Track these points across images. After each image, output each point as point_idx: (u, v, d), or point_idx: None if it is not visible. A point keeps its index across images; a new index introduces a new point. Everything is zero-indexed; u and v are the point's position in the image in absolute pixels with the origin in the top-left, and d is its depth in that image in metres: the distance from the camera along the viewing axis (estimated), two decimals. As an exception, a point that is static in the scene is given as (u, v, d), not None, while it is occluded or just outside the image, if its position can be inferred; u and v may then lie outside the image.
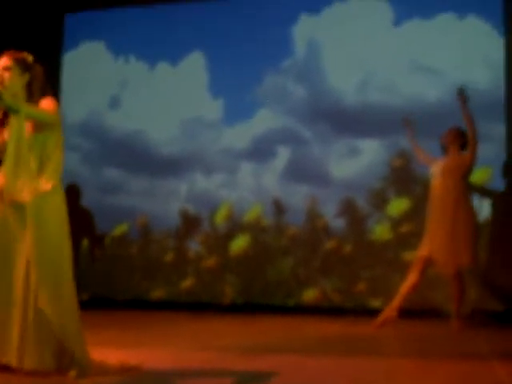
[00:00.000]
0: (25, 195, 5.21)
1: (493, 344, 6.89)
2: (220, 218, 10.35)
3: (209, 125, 10.44)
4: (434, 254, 8.22)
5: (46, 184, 5.27)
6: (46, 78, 5.55)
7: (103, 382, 5.06)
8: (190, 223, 10.45)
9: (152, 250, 10.63)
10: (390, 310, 8.25)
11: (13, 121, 5.20)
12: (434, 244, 8.20)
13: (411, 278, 8.30)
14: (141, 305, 10.18)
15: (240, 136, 10.28)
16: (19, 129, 5.21)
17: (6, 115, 5.41)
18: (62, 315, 5.25)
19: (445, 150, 8.42)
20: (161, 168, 10.50)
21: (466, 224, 8.17)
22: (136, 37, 10.63)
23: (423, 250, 8.26)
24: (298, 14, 10.10)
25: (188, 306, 10.12)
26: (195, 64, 10.50)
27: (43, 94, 5.46)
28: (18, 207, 5.25)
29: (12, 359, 5.18)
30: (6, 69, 5.39)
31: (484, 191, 9.02)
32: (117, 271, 10.55)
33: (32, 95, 5.42)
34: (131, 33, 10.65)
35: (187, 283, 10.37)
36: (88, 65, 10.59)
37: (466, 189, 8.30)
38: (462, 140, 8.34)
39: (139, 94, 10.55)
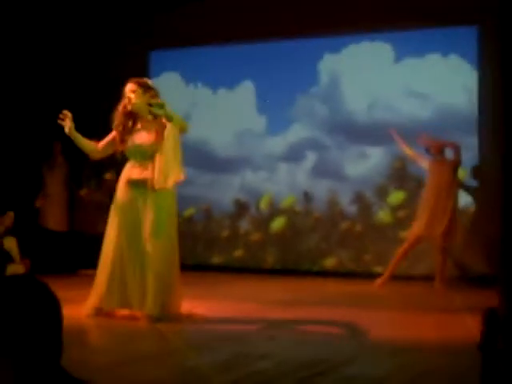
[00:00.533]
0: (169, 184, 5.43)
1: (468, 301, 6.80)
2: (263, 204, 10.32)
3: (256, 135, 10.38)
4: (428, 230, 8.28)
5: (180, 176, 5.49)
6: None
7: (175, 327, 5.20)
8: (241, 208, 10.39)
9: (212, 228, 10.59)
10: (387, 273, 8.37)
11: (168, 126, 5.39)
12: (430, 223, 8.30)
13: (404, 249, 8.43)
14: (203, 268, 10.24)
15: (279, 143, 10.22)
16: (174, 133, 5.42)
17: (134, 123, 5.68)
18: (169, 275, 5.49)
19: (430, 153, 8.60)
20: (220, 167, 10.46)
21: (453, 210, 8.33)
22: (202, 68, 10.46)
23: (417, 230, 8.36)
24: (323, 52, 10.05)
25: (239, 270, 10.04)
26: (247, 89, 10.42)
27: (160, 109, 5.59)
28: (144, 193, 5.49)
29: (134, 307, 5.46)
30: (132, 91, 5.63)
31: (463, 186, 9.01)
32: (186, 243, 10.59)
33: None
34: (199, 65, 10.50)
35: (238, 253, 10.36)
36: (167, 89, 10.51)
37: (455, 184, 8.47)
38: (441, 149, 8.53)
39: (205, 111, 10.61)
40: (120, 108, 5.72)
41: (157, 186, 5.43)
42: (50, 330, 1.56)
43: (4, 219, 9.08)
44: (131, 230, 5.53)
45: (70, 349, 3.97)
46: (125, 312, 5.55)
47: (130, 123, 5.71)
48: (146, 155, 5.59)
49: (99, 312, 5.54)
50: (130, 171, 5.65)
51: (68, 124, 5.58)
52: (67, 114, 5.59)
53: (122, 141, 5.69)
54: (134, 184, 5.58)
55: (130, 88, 5.65)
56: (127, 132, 5.69)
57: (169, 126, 5.38)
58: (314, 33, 9.96)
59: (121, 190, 5.64)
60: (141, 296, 5.40)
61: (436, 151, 8.56)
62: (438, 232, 8.26)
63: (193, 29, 10.49)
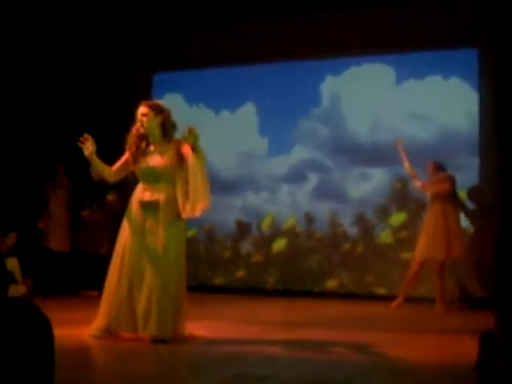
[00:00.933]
0: (197, 213, 5.46)
1: (468, 323, 6.81)
2: (265, 225, 10.37)
3: (258, 156, 10.47)
4: (430, 255, 8.34)
5: (206, 204, 5.50)
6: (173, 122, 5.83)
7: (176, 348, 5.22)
8: (242, 229, 10.46)
9: (214, 248, 10.63)
10: (401, 297, 8.42)
11: (196, 156, 5.40)
12: (431, 247, 8.36)
13: (412, 275, 8.45)
14: (205, 289, 10.23)
15: (281, 165, 10.29)
16: (201, 163, 5.44)
17: (147, 145, 5.72)
18: (175, 298, 5.50)
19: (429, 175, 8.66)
20: (222, 188, 10.35)
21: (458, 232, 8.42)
22: (205, 91, 10.58)
23: (419, 256, 8.43)
24: (325, 75, 10.13)
25: (240, 290, 10.10)
26: (248, 111, 10.51)
27: (174, 130, 5.76)
28: (155, 216, 5.53)
29: (139, 329, 5.42)
30: (144, 115, 5.66)
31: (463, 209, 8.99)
32: (188, 263, 10.59)
33: (166, 131, 5.71)
34: (201, 88, 10.57)
35: (240, 273, 10.41)
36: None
37: (455, 206, 8.54)
38: (438, 169, 8.62)
39: (207, 133, 10.59)
40: (133, 131, 5.77)
41: (184, 216, 5.48)
42: (42, 352, 1.58)
43: (6, 239, 9.13)
44: (140, 251, 5.53)
45: (70, 369, 4.01)
46: (130, 334, 5.54)
47: (144, 144, 5.76)
48: (159, 178, 5.62)
49: (105, 334, 5.53)
50: (142, 193, 5.67)
51: (89, 148, 5.61)
52: (88, 137, 5.61)
53: (135, 161, 5.72)
54: (146, 206, 5.59)
55: (141, 111, 5.69)
56: (140, 153, 5.72)
57: (192, 155, 5.43)
58: (315, 55, 10.05)
59: (132, 212, 5.65)
60: (146, 318, 5.41)
61: (431, 171, 8.63)
62: (439, 256, 8.30)
63: (195, 51, 10.58)
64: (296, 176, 10.28)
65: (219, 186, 10.50)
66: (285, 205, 10.32)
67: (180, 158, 5.59)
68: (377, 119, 9.94)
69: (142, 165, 5.71)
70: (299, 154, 10.31)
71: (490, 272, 8.13)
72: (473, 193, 9.06)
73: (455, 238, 8.36)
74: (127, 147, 5.80)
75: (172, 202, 5.52)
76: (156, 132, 5.70)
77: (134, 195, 5.73)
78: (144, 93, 10.88)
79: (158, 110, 5.72)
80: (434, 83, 9.59)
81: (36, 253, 9.80)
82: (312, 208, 10.15)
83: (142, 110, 5.70)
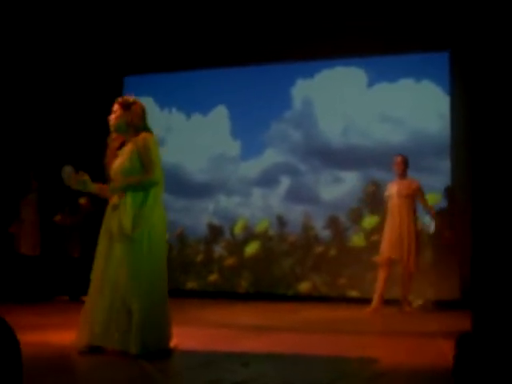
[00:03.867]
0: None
1: (441, 325, 6.88)
2: (237, 228, 10.35)
3: (230, 159, 10.45)
4: (392, 255, 8.37)
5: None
6: (145, 113, 5.37)
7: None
8: (215, 232, 10.43)
9: (187, 252, 10.58)
10: (376, 302, 8.31)
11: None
12: (393, 248, 8.37)
13: (382, 276, 8.43)
14: (178, 293, 10.18)
15: (253, 168, 10.32)
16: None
17: (122, 144, 5.31)
18: (154, 310, 5.11)
19: (397, 175, 8.60)
20: (194, 191, 10.49)
21: (413, 234, 8.37)
22: (176, 94, 10.57)
23: (385, 253, 8.43)
24: (296, 78, 10.12)
25: (213, 294, 10.10)
26: (220, 114, 10.50)
27: (144, 126, 5.28)
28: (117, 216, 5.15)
29: (97, 340, 5.00)
30: (114, 112, 5.33)
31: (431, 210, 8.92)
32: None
33: (134, 128, 5.25)
34: (173, 91, 10.57)
35: (213, 277, 10.38)
36: None
37: (414, 207, 8.50)
38: (406, 166, 8.57)
39: (179, 137, 10.62)
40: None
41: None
42: (7, 359, 1.52)
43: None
44: (108, 256, 5.13)
45: (47, 376, 3.92)
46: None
47: (117, 144, 5.35)
48: (116, 179, 5.29)
49: (92, 349, 5.19)
50: (114, 195, 5.28)
51: (88, 184, 5.29)
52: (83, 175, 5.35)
53: (108, 165, 5.36)
54: (114, 209, 5.19)
55: (113, 109, 5.46)
56: (114, 155, 5.36)
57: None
58: (287, 58, 10.03)
59: (105, 216, 5.36)
60: (125, 333, 4.98)
61: (399, 166, 8.60)
62: (397, 256, 8.30)
63: (166, 54, 10.53)
64: (268, 179, 10.31)
65: (191, 189, 10.50)
66: (257, 208, 10.32)
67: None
68: (349, 122, 9.98)
69: (112, 166, 5.34)
70: (271, 157, 10.33)
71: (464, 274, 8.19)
72: (448, 192, 9.09)
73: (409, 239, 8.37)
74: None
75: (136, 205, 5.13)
76: (125, 129, 5.31)
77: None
78: (115, 96, 10.79)
79: (126, 106, 5.34)
80: (405, 86, 9.69)
81: (8, 258, 9.69)
82: (284, 211, 10.17)
83: (114, 107, 5.36)
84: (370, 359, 5.06)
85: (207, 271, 10.46)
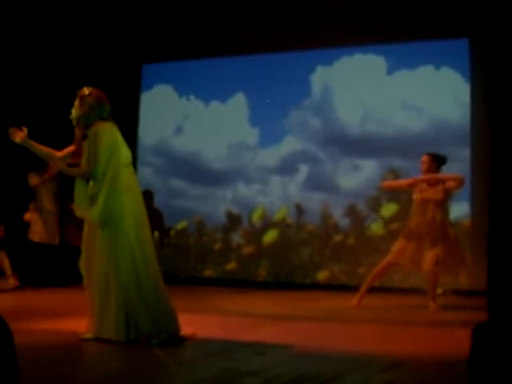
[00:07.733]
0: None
1: (459, 314, 6.84)
2: (256, 217, 10.31)
3: (248, 147, 10.41)
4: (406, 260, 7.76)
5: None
6: (101, 103, 5.29)
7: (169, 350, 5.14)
8: (233, 221, 10.40)
9: (205, 241, 10.57)
10: (363, 291, 7.91)
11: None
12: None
13: (380, 268, 7.94)
14: (195, 281, 10.24)
15: (271, 156, 10.25)
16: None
17: (84, 137, 5.26)
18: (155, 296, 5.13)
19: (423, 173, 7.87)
20: (212, 179, 10.47)
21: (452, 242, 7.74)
22: (195, 81, 10.53)
23: (393, 256, 7.85)
24: (316, 65, 10.08)
25: (231, 283, 10.08)
26: (239, 102, 10.45)
27: (100, 115, 5.24)
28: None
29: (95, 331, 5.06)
30: (74, 105, 5.33)
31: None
32: (179, 256, 10.61)
33: (86, 119, 5.23)
34: (191, 78, 10.53)
35: (231, 266, 10.35)
36: (159, 102, 10.62)
37: (445, 213, 7.82)
38: (435, 165, 7.83)
39: (197, 124, 10.60)
40: None
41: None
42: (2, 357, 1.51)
43: (-6, 233, 9.04)
44: (92, 249, 5.17)
45: (54, 364, 3.93)
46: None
47: (80, 137, 5.33)
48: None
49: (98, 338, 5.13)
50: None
51: (20, 135, 5.31)
52: (15, 129, 5.38)
53: (77, 155, 5.34)
54: (91, 200, 5.19)
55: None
56: (79, 147, 5.34)
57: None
58: (306, 45, 9.97)
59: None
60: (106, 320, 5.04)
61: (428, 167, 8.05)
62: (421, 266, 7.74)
63: (185, 42, 10.49)
64: (287, 167, 10.24)
65: (210, 177, 10.48)
66: (275, 196, 10.26)
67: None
68: (368, 110, 9.88)
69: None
70: (290, 145, 10.26)
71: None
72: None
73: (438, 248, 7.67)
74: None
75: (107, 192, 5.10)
76: (82, 122, 5.29)
77: None
78: (133, 84, 10.81)
79: (80, 99, 5.30)
80: (425, 73, 9.54)
81: (23, 246, 9.67)
82: (303, 199, 10.11)
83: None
84: (386, 348, 5.04)
85: (225, 259, 10.44)
